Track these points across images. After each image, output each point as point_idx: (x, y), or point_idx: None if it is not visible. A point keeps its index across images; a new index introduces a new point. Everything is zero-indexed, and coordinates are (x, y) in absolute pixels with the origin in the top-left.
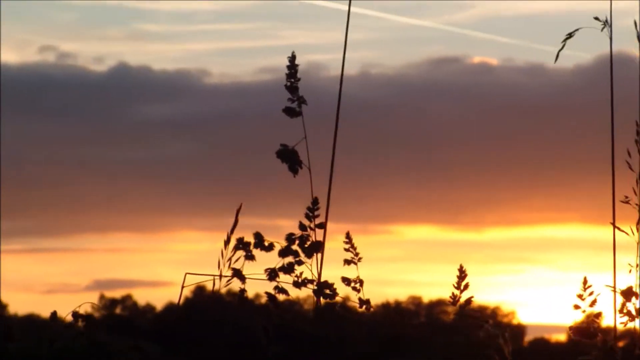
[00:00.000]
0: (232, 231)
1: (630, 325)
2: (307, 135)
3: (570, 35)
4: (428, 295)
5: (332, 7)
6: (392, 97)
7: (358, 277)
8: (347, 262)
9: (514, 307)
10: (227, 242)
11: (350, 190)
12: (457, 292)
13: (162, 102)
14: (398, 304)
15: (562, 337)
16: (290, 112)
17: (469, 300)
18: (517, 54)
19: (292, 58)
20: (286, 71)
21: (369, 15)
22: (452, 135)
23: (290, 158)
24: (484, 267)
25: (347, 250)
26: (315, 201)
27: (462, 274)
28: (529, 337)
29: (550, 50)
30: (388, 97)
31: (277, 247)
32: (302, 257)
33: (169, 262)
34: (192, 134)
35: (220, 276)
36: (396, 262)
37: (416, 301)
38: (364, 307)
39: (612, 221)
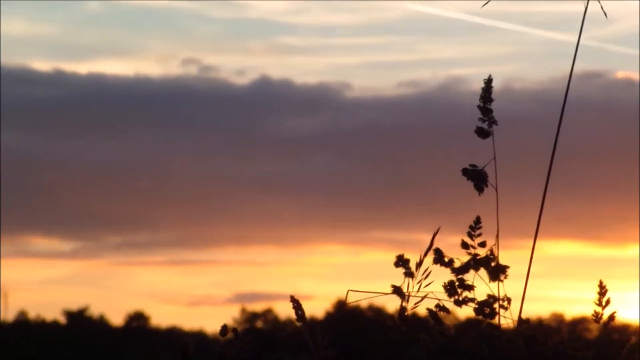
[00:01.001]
0: (425, 254)
1: None
2: (496, 156)
3: None
4: (570, 312)
5: (471, 20)
6: (535, 111)
7: (505, 295)
8: (495, 279)
9: None
10: (419, 264)
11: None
12: (599, 309)
13: (303, 115)
14: (540, 321)
15: None
16: (482, 132)
17: (612, 317)
18: None
19: (489, 81)
20: (481, 93)
21: (511, 30)
22: (594, 150)
23: (478, 177)
24: (627, 283)
25: (502, 265)
26: (477, 220)
27: (602, 290)
28: None
29: None
30: (531, 111)
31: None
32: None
33: (308, 275)
34: (333, 146)
35: (393, 294)
36: (538, 278)
37: (558, 318)
38: (523, 326)
39: None
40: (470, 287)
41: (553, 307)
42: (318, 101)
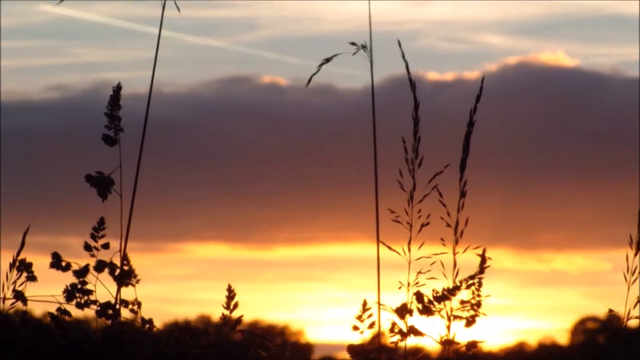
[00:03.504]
0: (18, 253)
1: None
2: (122, 163)
3: (327, 60)
4: (218, 314)
5: (122, 26)
6: (184, 116)
7: (136, 298)
8: (125, 284)
9: (303, 326)
10: (12, 265)
11: (142, 209)
12: (226, 312)
13: None
14: (187, 323)
15: (347, 356)
16: (108, 140)
17: (239, 320)
18: (306, 75)
19: (118, 88)
20: (109, 100)
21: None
22: (244, 153)
23: (102, 183)
24: (274, 285)
25: (126, 270)
26: (101, 221)
27: (230, 294)
28: (316, 356)
29: (340, 72)
30: (180, 116)
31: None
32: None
33: None
34: None
35: (4, 299)
36: (187, 281)
37: (205, 320)
38: (146, 326)
39: (382, 241)
40: (88, 292)
41: (201, 309)
42: None
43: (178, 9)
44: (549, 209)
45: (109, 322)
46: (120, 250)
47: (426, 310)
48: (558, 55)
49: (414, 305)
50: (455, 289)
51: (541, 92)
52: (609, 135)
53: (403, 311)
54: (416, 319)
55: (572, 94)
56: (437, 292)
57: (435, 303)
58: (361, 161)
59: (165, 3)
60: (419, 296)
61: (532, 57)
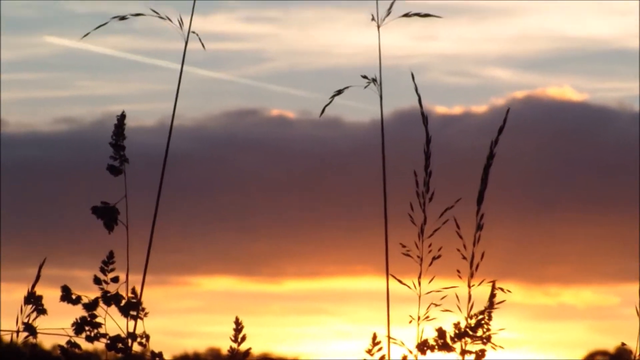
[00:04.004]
0: (33, 286)
1: None
2: (127, 194)
3: (339, 92)
4: (227, 347)
5: (131, 58)
6: (191, 149)
7: (144, 332)
8: (129, 316)
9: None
10: (28, 297)
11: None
12: (234, 345)
13: None
14: (197, 356)
15: None
16: (113, 170)
17: (247, 352)
18: (313, 108)
19: (122, 117)
20: (113, 129)
21: (165, 67)
22: (251, 186)
23: (107, 214)
24: (282, 318)
25: (131, 302)
26: (110, 255)
27: (238, 327)
28: None
29: (347, 104)
30: (187, 149)
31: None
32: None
33: None
34: None
35: (18, 331)
36: (194, 314)
37: (215, 353)
38: (156, 359)
39: (392, 274)
40: (98, 325)
41: (209, 342)
42: None
43: (203, 46)
44: (555, 243)
45: (119, 355)
46: (126, 282)
47: (446, 347)
48: (565, 89)
49: (434, 341)
50: (478, 325)
51: (548, 126)
52: (616, 168)
53: (424, 347)
54: (429, 354)
55: (579, 128)
56: (460, 329)
57: (456, 339)
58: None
59: (188, 38)
60: (441, 332)
61: (539, 91)
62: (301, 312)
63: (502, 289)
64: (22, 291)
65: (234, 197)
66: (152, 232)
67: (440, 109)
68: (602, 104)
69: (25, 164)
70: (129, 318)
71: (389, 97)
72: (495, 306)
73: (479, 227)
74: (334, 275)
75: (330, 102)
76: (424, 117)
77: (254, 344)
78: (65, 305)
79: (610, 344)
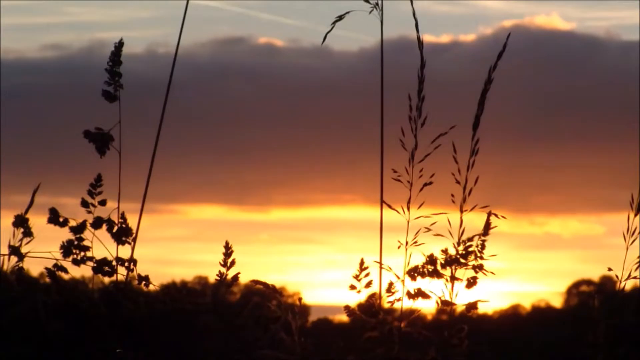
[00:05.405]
0: (27, 211)
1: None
2: (121, 120)
3: (340, 18)
4: (214, 275)
5: None
6: (179, 77)
7: (131, 256)
8: (121, 242)
9: (299, 288)
10: (16, 220)
11: (137, 170)
12: (223, 269)
13: None
14: (184, 284)
15: (344, 318)
16: (108, 96)
17: (235, 277)
18: (303, 36)
19: (120, 44)
20: (110, 55)
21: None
22: (239, 115)
23: (100, 140)
24: (270, 247)
25: (123, 228)
26: (98, 178)
27: (227, 251)
28: (312, 318)
29: (335, 33)
30: (175, 77)
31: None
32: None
33: None
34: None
35: (8, 255)
36: (182, 242)
37: (202, 281)
38: (142, 283)
39: (384, 200)
40: (85, 248)
41: (197, 270)
42: None
43: None
44: (542, 173)
45: (105, 280)
46: (117, 207)
47: (436, 273)
48: (553, 18)
49: (425, 268)
50: (468, 253)
51: (536, 55)
52: (604, 99)
53: (414, 273)
54: (418, 281)
55: (566, 57)
56: (450, 256)
57: (447, 266)
58: (359, 123)
59: None
60: (432, 259)
61: (527, 20)
62: (290, 241)
63: (496, 215)
64: (12, 218)
65: (222, 125)
66: (153, 161)
67: (429, 37)
68: (589, 33)
69: (14, 90)
70: (119, 245)
71: (377, 25)
72: (486, 235)
73: (474, 152)
74: (323, 204)
75: (332, 28)
76: (420, 42)
77: (242, 273)
78: (55, 232)
79: (595, 273)
